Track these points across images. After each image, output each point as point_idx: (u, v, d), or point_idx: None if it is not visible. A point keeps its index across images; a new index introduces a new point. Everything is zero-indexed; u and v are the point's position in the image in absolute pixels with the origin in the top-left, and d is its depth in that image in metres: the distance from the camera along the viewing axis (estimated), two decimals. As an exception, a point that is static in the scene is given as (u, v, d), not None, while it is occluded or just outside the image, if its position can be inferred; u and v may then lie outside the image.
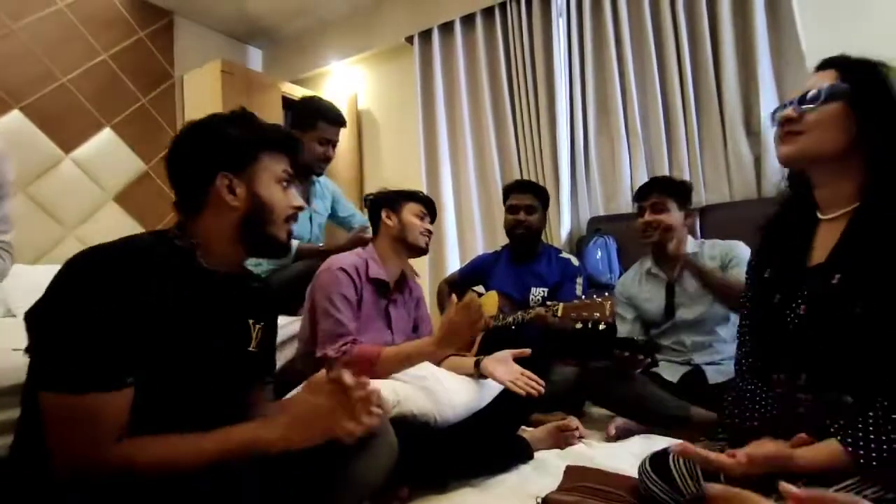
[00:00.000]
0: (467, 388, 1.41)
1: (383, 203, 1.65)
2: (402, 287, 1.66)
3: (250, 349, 0.95)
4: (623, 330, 1.95)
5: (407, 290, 1.69)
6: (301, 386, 1.25)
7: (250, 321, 0.96)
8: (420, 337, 1.68)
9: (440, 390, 1.34)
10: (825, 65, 0.88)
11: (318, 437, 0.76)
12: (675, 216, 1.82)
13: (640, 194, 1.90)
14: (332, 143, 2.21)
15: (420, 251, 1.64)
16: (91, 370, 0.70)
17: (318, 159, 2.19)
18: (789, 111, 0.86)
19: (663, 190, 1.84)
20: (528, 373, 1.39)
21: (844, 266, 0.79)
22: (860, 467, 0.69)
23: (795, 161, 0.87)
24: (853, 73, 0.83)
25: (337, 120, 2.20)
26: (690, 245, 1.86)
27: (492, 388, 1.45)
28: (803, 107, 0.84)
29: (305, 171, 2.19)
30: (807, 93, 0.85)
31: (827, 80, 0.85)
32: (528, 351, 1.45)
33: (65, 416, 0.70)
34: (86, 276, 0.74)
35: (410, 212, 1.63)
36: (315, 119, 2.15)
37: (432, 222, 1.70)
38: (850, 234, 0.81)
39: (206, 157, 0.89)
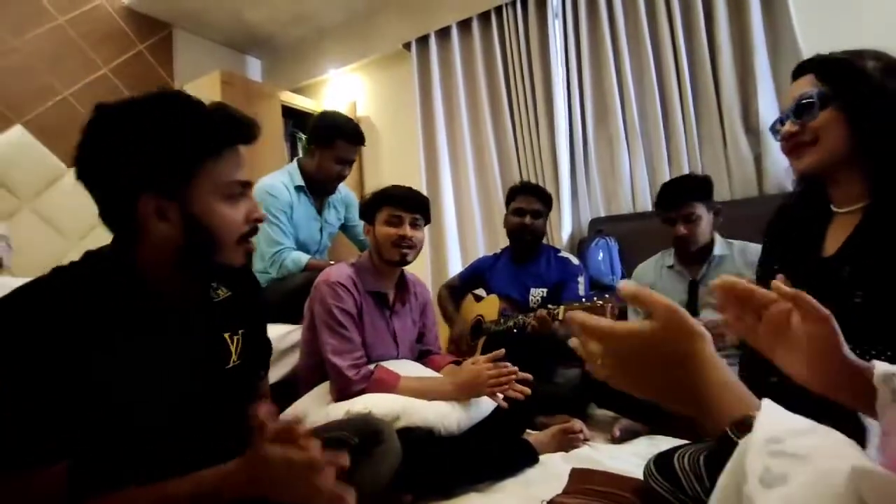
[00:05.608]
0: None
1: (363, 216, 1.58)
2: (404, 296, 1.60)
3: (229, 366, 0.84)
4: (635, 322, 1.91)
5: (410, 298, 1.62)
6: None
7: (226, 335, 0.85)
8: (425, 345, 1.68)
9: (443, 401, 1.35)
10: (800, 70, 0.88)
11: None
12: (705, 220, 1.74)
13: (669, 203, 1.77)
14: (350, 162, 2.12)
15: (394, 265, 1.49)
16: (12, 446, 0.61)
17: (332, 178, 2.10)
18: (790, 126, 0.86)
19: (691, 196, 1.74)
20: (505, 367, 1.36)
21: (855, 258, 0.80)
22: None
23: (815, 171, 0.87)
24: (830, 74, 0.83)
25: (356, 139, 2.10)
26: (719, 246, 1.77)
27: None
28: (804, 118, 0.84)
29: (318, 189, 2.14)
30: (800, 103, 0.85)
31: (807, 86, 0.85)
32: (502, 351, 1.40)
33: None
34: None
35: (382, 220, 1.47)
36: (333, 137, 2.04)
37: (421, 216, 1.50)
38: (863, 229, 0.81)
39: (124, 174, 0.67)
